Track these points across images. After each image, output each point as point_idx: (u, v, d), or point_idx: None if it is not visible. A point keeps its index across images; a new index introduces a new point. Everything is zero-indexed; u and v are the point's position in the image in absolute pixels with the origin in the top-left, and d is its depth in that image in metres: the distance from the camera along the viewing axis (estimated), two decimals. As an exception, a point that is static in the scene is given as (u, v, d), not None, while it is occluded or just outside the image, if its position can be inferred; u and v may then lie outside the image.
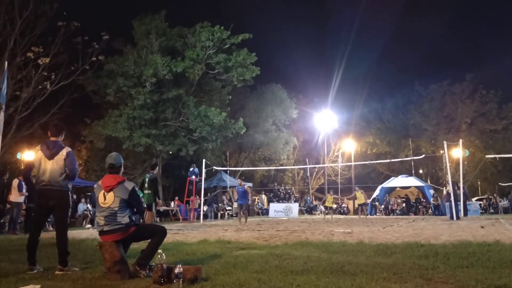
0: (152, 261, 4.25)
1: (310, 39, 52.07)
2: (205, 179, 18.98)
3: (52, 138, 4.92)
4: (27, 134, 18.74)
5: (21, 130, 18.06)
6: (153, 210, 10.06)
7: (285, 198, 28.23)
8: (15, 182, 11.41)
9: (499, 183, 28.88)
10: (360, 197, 18.90)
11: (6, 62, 12.25)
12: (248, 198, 15.09)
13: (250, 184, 16.28)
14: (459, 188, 15.28)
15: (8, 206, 11.61)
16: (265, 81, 30.85)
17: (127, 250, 4.38)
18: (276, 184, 34.25)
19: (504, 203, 25.34)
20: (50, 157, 4.76)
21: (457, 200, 15.30)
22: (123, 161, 4.63)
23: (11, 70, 15.56)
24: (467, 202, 19.04)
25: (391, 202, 25.51)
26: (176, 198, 21.54)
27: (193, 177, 19.21)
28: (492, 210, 24.42)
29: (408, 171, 29.81)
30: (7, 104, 13.28)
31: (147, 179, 10.13)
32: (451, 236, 7.86)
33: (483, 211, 23.92)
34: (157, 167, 10.67)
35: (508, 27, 46.89)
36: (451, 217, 14.91)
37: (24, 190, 11.39)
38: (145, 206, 10.14)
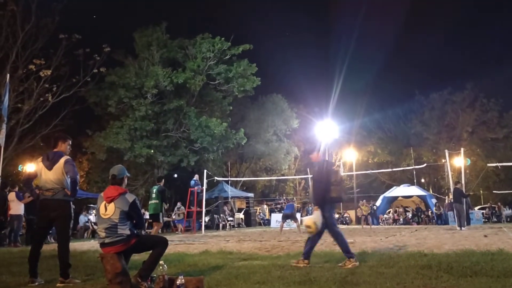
0: (154, 272, 4.23)
1: (311, 49, 52.35)
2: (207, 190, 18.94)
3: (53, 149, 4.94)
4: (29, 146, 18.76)
5: (23, 142, 18.09)
6: (161, 221, 10.10)
7: (286, 208, 28.11)
8: (12, 195, 11.40)
9: (493, 191, 28.85)
10: (365, 209, 19.25)
11: (8, 75, 12.36)
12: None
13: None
14: (465, 196, 15.12)
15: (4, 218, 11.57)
16: (266, 91, 30.97)
17: (128, 261, 4.37)
18: (277, 194, 34.17)
19: (507, 211, 25.22)
20: (50, 166, 4.78)
21: (469, 207, 15.37)
22: (127, 174, 4.61)
23: (13, 83, 15.64)
24: (470, 211, 18.96)
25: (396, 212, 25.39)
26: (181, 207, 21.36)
27: (197, 187, 19.17)
28: (495, 219, 24.29)
29: (410, 180, 29.73)
30: (9, 116, 13.36)
31: (154, 190, 10.17)
32: (454, 245, 7.82)
33: (486, 220, 23.81)
34: (163, 180, 10.89)
35: (508, 36, 47.09)
36: (467, 224, 15.09)
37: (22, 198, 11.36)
38: (152, 215, 10.19)
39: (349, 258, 5.28)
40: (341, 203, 30.44)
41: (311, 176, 5.91)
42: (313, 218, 5.24)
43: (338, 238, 5.44)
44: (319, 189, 5.41)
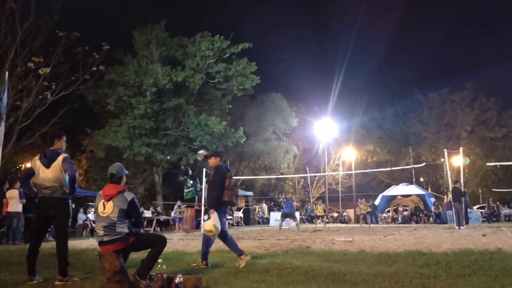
0: (152, 271, 4.23)
1: (310, 48, 52.39)
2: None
3: (50, 148, 4.93)
4: (28, 144, 18.73)
5: (22, 140, 18.06)
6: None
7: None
8: (15, 192, 11.32)
9: (493, 189, 28.90)
10: (364, 208, 19.26)
11: (7, 73, 12.29)
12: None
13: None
14: (463, 195, 15.11)
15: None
16: (265, 90, 30.99)
17: (126, 260, 4.36)
18: (276, 192, 34.18)
19: (505, 211, 25.22)
20: (48, 165, 4.77)
21: (467, 206, 15.52)
22: (126, 172, 4.61)
23: (11, 81, 15.58)
24: (468, 210, 18.98)
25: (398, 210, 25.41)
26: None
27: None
28: (493, 218, 24.31)
29: (408, 179, 29.74)
30: (7, 114, 13.32)
31: (188, 180, 10.96)
32: (453, 244, 7.82)
33: (484, 219, 23.83)
34: (188, 170, 11.77)
35: (508, 35, 47.07)
36: (465, 223, 15.23)
37: (23, 197, 11.33)
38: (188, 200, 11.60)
39: (240, 256, 5.47)
40: (340, 202, 30.63)
41: (208, 180, 6.09)
42: (212, 221, 5.35)
43: (227, 239, 5.63)
44: (214, 193, 5.60)
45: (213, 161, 5.89)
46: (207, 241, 5.66)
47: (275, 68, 49.31)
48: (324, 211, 22.58)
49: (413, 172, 29.18)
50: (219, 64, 23.63)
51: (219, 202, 5.55)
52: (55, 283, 4.48)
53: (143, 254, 4.39)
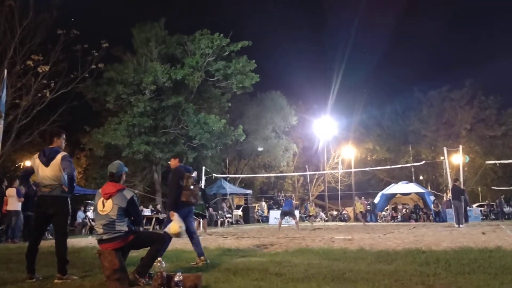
0: (151, 269, 4.22)
1: (309, 46, 52.36)
2: (205, 187, 18.94)
3: (50, 146, 4.92)
4: (27, 142, 18.70)
5: (21, 138, 18.02)
6: (207, 217, 11.17)
7: (285, 205, 28.13)
8: (13, 190, 11.32)
9: (491, 187, 28.93)
10: (360, 206, 19.31)
11: (6, 70, 12.28)
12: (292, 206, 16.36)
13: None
14: (462, 193, 15.10)
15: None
16: (265, 88, 30.94)
17: (125, 258, 4.36)
18: (276, 191, 34.19)
19: (506, 209, 25.22)
20: (47, 163, 4.76)
21: (467, 205, 15.58)
22: (126, 170, 4.60)
23: (10, 78, 15.54)
24: (468, 208, 19.00)
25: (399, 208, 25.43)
26: None
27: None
28: (493, 216, 24.33)
29: (408, 177, 29.77)
30: (6, 112, 13.29)
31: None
32: (452, 242, 7.83)
33: (484, 217, 23.85)
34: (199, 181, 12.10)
35: (508, 33, 47.04)
36: (465, 221, 15.29)
37: (21, 196, 11.33)
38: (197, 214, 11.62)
39: (199, 257, 5.71)
40: (339, 200, 30.67)
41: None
42: (176, 223, 5.33)
43: (193, 239, 5.85)
44: (172, 194, 5.69)
45: (172, 163, 5.97)
46: (193, 239, 5.81)
47: (274, 66, 49.30)
48: (314, 210, 23.02)
49: (413, 170, 29.21)
50: (218, 62, 23.58)
51: (178, 203, 5.60)
52: (54, 281, 4.47)
53: (142, 252, 4.39)
